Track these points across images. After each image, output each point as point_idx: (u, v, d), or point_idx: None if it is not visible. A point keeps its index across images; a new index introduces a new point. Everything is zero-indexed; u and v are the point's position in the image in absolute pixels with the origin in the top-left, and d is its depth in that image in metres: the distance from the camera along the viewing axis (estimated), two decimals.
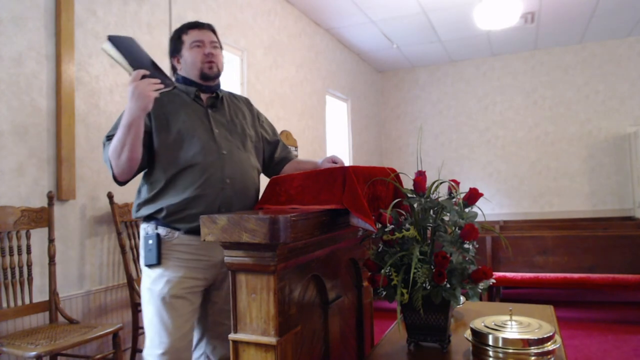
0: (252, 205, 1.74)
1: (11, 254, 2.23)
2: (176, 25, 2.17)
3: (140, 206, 1.65)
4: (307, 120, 5.20)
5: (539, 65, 6.78)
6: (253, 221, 1.03)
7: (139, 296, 1.91)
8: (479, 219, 1.44)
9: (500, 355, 1.26)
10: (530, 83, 6.83)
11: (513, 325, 1.34)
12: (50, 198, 2.37)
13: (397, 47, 6.37)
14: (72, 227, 2.58)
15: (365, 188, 1.37)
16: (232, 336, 1.11)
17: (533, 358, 1.24)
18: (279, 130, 4.40)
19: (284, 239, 1.01)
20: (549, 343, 1.26)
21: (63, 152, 2.49)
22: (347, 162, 6.00)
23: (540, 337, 1.25)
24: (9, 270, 2.20)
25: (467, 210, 1.43)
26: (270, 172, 1.94)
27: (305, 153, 5.08)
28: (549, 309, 1.81)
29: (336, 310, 1.42)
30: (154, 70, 1.52)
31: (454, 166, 7.11)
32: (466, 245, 1.37)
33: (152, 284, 1.60)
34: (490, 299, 4.28)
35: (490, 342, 1.28)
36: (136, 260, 2.77)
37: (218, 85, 1.80)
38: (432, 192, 1.40)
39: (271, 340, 1.06)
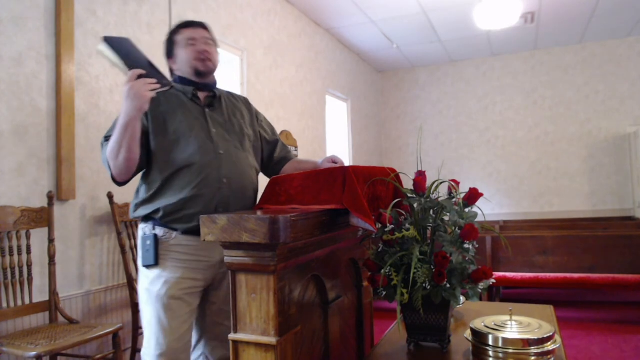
0: (251, 205, 1.73)
1: (11, 254, 2.23)
2: None
3: (137, 206, 1.65)
4: (307, 120, 5.20)
5: (539, 65, 6.78)
6: (253, 221, 1.03)
7: None
8: (479, 219, 1.44)
9: (500, 355, 1.26)
10: (530, 83, 6.83)
11: (513, 325, 1.34)
12: (50, 198, 2.37)
13: (397, 47, 6.37)
14: (72, 227, 2.58)
15: (365, 188, 1.37)
16: (232, 336, 1.11)
17: (533, 358, 1.24)
18: (278, 130, 4.40)
19: (284, 239, 1.01)
20: (549, 343, 1.26)
21: (63, 152, 2.49)
22: (347, 162, 5.99)
23: (540, 337, 1.25)
24: (9, 270, 2.20)
25: (467, 210, 1.43)
26: (269, 171, 1.93)
27: (305, 153, 5.08)
28: (549, 309, 1.81)
29: (336, 310, 1.42)
30: (151, 70, 1.50)
31: (454, 166, 7.11)
32: (466, 245, 1.37)
33: (150, 284, 1.60)
34: (490, 299, 4.28)
35: (490, 342, 1.28)
36: (136, 260, 2.77)
37: (215, 83, 1.79)
38: (432, 192, 1.40)
39: (271, 340, 1.06)
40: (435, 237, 1.37)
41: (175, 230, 1.60)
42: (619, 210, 6.31)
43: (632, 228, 4.92)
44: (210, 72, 1.73)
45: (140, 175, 1.67)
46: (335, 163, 1.72)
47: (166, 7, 3.27)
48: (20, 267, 2.26)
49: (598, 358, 3.07)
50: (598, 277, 3.89)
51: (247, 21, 4.16)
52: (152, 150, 1.62)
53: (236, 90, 4.05)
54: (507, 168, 6.90)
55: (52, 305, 2.34)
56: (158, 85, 1.47)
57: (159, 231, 1.61)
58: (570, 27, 5.87)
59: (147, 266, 1.61)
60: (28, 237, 2.29)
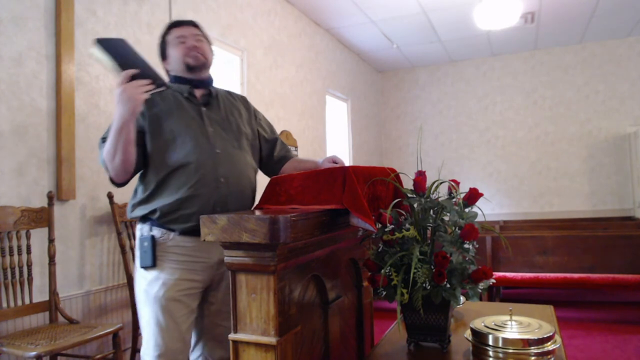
0: (249, 205, 1.72)
1: (11, 254, 2.23)
2: None
3: (134, 206, 1.64)
4: (307, 120, 5.20)
5: (539, 65, 6.78)
6: (253, 221, 1.03)
7: None
8: (479, 219, 1.44)
9: (500, 355, 1.26)
10: (530, 83, 6.83)
11: (513, 325, 1.34)
12: (50, 198, 2.37)
13: (397, 47, 6.37)
14: (72, 227, 2.58)
15: (365, 188, 1.37)
16: (232, 336, 1.11)
17: (533, 358, 1.24)
18: (278, 131, 4.40)
19: (284, 239, 1.01)
20: (549, 343, 1.26)
21: (63, 152, 2.49)
22: (347, 162, 5.99)
23: (540, 337, 1.25)
24: (9, 270, 2.20)
25: (467, 210, 1.43)
26: (269, 170, 1.92)
27: (305, 153, 5.07)
28: (549, 309, 1.81)
29: (336, 310, 1.42)
30: (146, 70, 1.48)
31: (454, 166, 7.12)
32: (466, 245, 1.37)
33: (148, 286, 1.59)
34: (490, 299, 4.28)
35: (490, 342, 1.28)
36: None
37: (210, 79, 1.78)
38: (432, 192, 1.40)
39: (271, 340, 1.06)
40: (435, 237, 1.37)
41: (173, 230, 1.59)
42: (619, 210, 6.31)
43: (632, 228, 4.92)
44: (202, 65, 1.71)
45: (138, 175, 1.67)
46: (336, 163, 1.72)
47: (166, 7, 3.27)
48: (20, 267, 2.26)
49: (598, 358, 3.07)
50: (598, 277, 3.89)
51: (247, 21, 4.16)
52: (148, 150, 1.61)
53: (236, 90, 4.05)
54: (507, 168, 6.90)
55: (52, 305, 2.34)
56: (152, 87, 1.45)
57: (156, 232, 1.60)
58: (570, 27, 5.87)
59: (145, 267, 1.60)
60: (28, 237, 2.29)
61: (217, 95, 1.78)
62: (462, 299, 1.41)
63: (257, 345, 1.08)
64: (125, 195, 2.76)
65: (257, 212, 1.19)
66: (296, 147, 4.87)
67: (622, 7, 5.26)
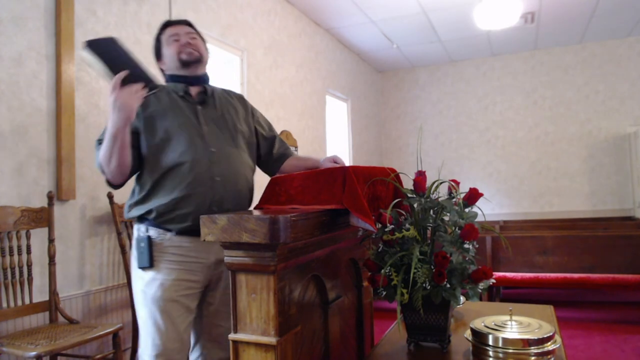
0: (246, 204, 1.71)
1: (11, 254, 2.23)
2: None
3: (131, 207, 1.64)
4: (307, 120, 5.20)
5: (539, 65, 6.78)
6: (253, 221, 1.03)
7: None
8: (479, 219, 1.44)
9: (500, 355, 1.26)
10: (530, 83, 6.83)
11: (513, 325, 1.34)
12: (50, 198, 2.37)
13: (397, 47, 6.37)
14: (72, 227, 2.58)
15: (365, 188, 1.37)
16: (232, 336, 1.11)
17: (533, 358, 1.24)
18: (278, 131, 4.40)
19: (284, 239, 1.01)
20: (549, 343, 1.26)
21: (63, 152, 2.49)
22: (347, 162, 5.99)
23: (540, 337, 1.25)
24: (9, 270, 2.20)
25: (467, 210, 1.43)
26: (269, 168, 1.91)
27: (305, 153, 5.08)
28: (549, 309, 1.81)
29: (336, 310, 1.42)
30: (138, 72, 1.45)
31: (454, 166, 7.12)
32: (466, 245, 1.37)
33: (146, 286, 1.59)
34: (490, 299, 4.28)
35: (490, 342, 1.28)
36: None
37: (206, 77, 1.77)
38: (432, 192, 1.40)
39: (271, 340, 1.06)
40: (435, 237, 1.37)
41: (170, 231, 1.59)
42: (619, 210, 6.31)
43: (632, 228, 4.92)
44: (197, 60, 1.70)
45: (135, 175, 1.67)
46: (336, 163, 1.71)
47: (166, 7, 3.27)
48: (20, 267, 2.26)
49: (598, 358, 3.07)
50: (598, 277, 3.89)
51: (247, 21, 4.16)
52: (143, 151, 1.60)
53: (236, 90, 4.04)
54: (507, 168, 6.91)
55: (52, 305, 2.34)
56: (145, 91, 1.43)
57: (153, 232, 1.60)
58: (570, 27, 5.87)
59: (142, 268, 1.59)
60: (28, 237, 2.29)
61: (213, 93, 1.76)
62: (462, 299, 1.41)
63: (257, 345, 1.08)
64: (125, 195, 2.75)
65: (257, 212, 1.19)
66: (296, 147, 4.87)
67: (622, 7, 5.26)
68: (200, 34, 1.79)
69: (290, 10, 4.89)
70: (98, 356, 2.27)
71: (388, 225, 1.35)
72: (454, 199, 1.44)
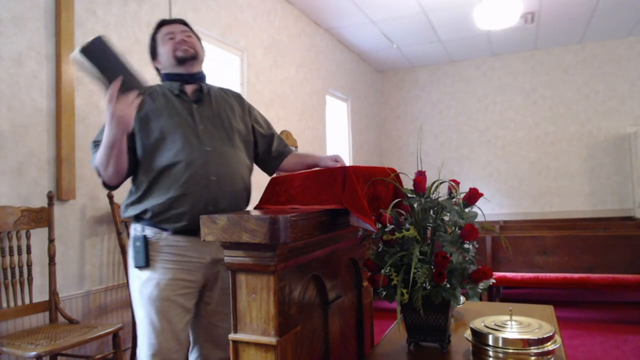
0: (242, 203, 1.70)
1: (11, 254, 2.23)
2: None
3: (127, 206, 1.63)
4: (307, 120, 5.20)
5: (539, 65, 6.78)
6: (253, 221, 1.03)
7: None
8: (479, 219, 1.44)
9: (500, 355, 1.26)
10: (530, 83, 6.83)
11: (513, 325, 1.34)
12: (50, 198, 2.37)
13: (397, 47, 6.37)
14: (72, 227, 2.58)
15: (365, 188, 1.37)
16: (232, 336, 1.11)
17: (533, 358, 1.24)
18: (278, 131, 4.40)
19: (284, 239, 1.01)
20: (549, 343, 1.26)
21: (63, 152, 2.49)
22: (347, 162, 5.99)
23: (540, 337, 1.25)
24: (9, 270, 2.20)
25: (467, 210, 1.43)
26: (268, 167, 1.89)
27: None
28: (549, 309, 1.81)
29: (336, 310, 1.42)
30: (129, 76, 1.41)
31: (454, 166, 7.12)
32: (466, 245, 1.37)
33: (142, 286, 1.59)
34: (490, 299, 4.28)
35: (490, 342, 1.28)
36: None
37: (201, 75, 1.75)
38: (432, 192, 1.40)
39: (271, 340, 1.06)
40: (435, 237, 1.37)
41: (165, 230, 1.58)
42: (619, 210, 6.31)
43: (632, 228, 4.92)
44: (192, 57, 1.70)
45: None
46: (337, 162, 1.71)
47: (166, 7, 3.27)
48: (20, 267, 2.26)
49: (598, 358, 3.07)
50: (598, 277, 3.89)
51: (247, 21, 4.16)
52: (139, 151, 1.60)
53: (236, 90, 4.05)
54: (507, 168, 6.91)
55: (52, 305, 2.34)
56: (139, 99, 1.42)
57: (149, 232, 1.59)
58: (570, 27, 5.87)
59: (139, 267, 1.59)
60: (28, 237, 2.29)
61: (209, 92, 1.75)
62: (462, 299, 1.41)
63: (257, 345, 1.08)
64: (125, 195, 2.76)
65: (257, 212, 1.19)
66: (296, 147, 4.87)
67: (622, 7, 5.26)
68: (196, 33, 1.78)
69: (290, 10, 4.89)
70: (98, 356, 2.27)
71: (388, 225, 1.35)
72: (454, 199, 1.44)
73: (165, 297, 1.56)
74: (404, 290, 1.27)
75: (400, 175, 1.62)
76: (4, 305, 2.17)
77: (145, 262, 1.57)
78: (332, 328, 1.39)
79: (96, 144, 1.57)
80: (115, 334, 2.28)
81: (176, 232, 1.58)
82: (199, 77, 1.74)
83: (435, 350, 1.41)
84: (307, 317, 1.27)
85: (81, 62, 1.36)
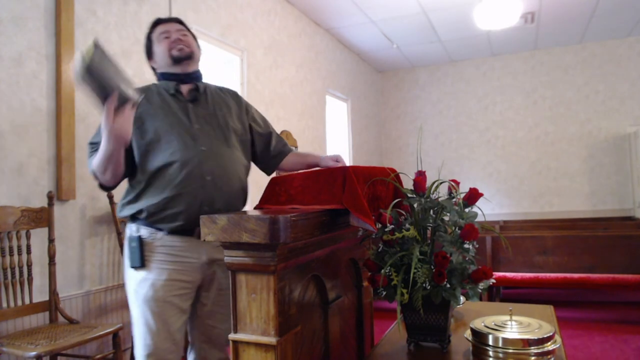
0: (239, 203, 1.69)
1: (11, 254, 2.23)
2: None
3: (123, 206, 1.63)
4: (307, 120, 5.20)
5: (539, 65, 6.79)
6: (253, 221, 1.03)
7: None
8: (479, 219, 1.44)
9: (500, 355, 1.26)
10: (530, 83, 6.83)
11: (513, 325, 1.34)
12: (50, 198, 2.37)
13: (397, 47, 6.37)
14: (72, 227, 2.58)
15: (365, 188, 1.37)
16: (232, 336, 1.11)
17: (533, 358, 1.24)
18: (278, 130, 4.40)
19: (284, 239, 1.01)
20: (549, 343, 1.26)
21: (63, 152, 2.49)
22: (347, 162, 5.99)
23: (540, 337, 1.25)
24: (9, 270, 2.20)
25: (467, 210, 1.43)
26: (266, 166, 1.88)
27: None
28: (549, 309, 1.81)
29: (336, 310, 1.42)
30: (123, 86, 1.36)
31: (454, 166, 7.12)
32: (466, 245, 1.36)
33: (138, 286, 1.58)
34: (490, 299, 4.28)
35: (490, 342, 1.28)
36: None
37: (198, 74, 1.74)
38: (432, 192, 1.40)
39: (271, 340, 1.06)
40: (435, 237, 1.37)
41: (161, 230, 1.58)
42: (619, 210, 6.31)
43: (632, 228, 4.92)
44: (187, 56, 1.68)
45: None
46: (338, 162, 1.71)
47: (166, 7, 3.27)
48: (20, 267, 2.26)
49: (598, 358, 3.07)
50: (598, 277, 3.89)
51: (247, 21, 4.16)
52: (135, 152, 1.59)
53: (236, 90, 4.05)
54: (507, 168, 6.91)
55: (52, 305, 2.34)
56: (133, 111, 1.41)
57: (144, 232, 1.59)
58: (570, 27, 5.87)
59: (134, 268, 1.59)
60: (28, 237, 2.29)
61: (205, 91, 1.74)
62: (462, 299, 1.41)
63: (257, 345, 1.08)
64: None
65: (257, 212, 1.19)
66: (296, 147, 4.87)
67: (622, 7, 5.26)
68: (192, 31, 1.77)
69: (290, 10, 4.89)
70: (98, 356, 2.26)
71: (388, 225, 1.35)
72: (454, 199, 1.44)
73: (161, 298, 1.55)
74: (404, 290, 1.27)
75: (400, 175, 1.62)
76: (4, 305, 2.17)
77: (141, 263, 1.57)
78: (332, 328, 1.39)
79: (93, 145, 1.57)
80: (115, 334, 2.27)
81: (171, 232, 1.57)
82: (195, 77, 1.73)
83: (435, 350, 1.41)
84: (307, 317, 1.27)
85: (85, 80, 1.31)
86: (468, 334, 1.37)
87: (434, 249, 1.36)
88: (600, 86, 6.48)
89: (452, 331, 1.52)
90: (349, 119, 6.39)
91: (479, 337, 1.31)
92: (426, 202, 1.39)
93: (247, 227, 1.03)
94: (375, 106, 7.43)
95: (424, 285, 1.28)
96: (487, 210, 5.02)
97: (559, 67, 6.68)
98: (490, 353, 1.27)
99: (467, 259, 1.36)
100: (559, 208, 6.59)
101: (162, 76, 1.72)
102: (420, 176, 1.42)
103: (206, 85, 1.76)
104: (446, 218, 1.41)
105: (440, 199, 1.42)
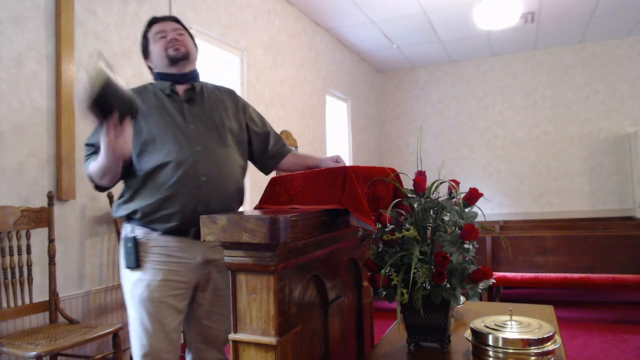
0: (235, 203, 1.68)
1: (11, 254, 2.23)
2: None
3: (118, 206, 1.63)
4: (307, 120, 5.20)
5: (539, 65, 6.79)
6: (253, 221, 1.03)
7: None
8: (479, 219, 1.44)
9: (500, 355, 1.25)
10: (530, 83, 6.83)
11: (513, 325, 1.34)
12: (50, 198, 2.37)
13: (397, 47, 6.37)
14: (72, 227, 2.58)
15: (365, 188, 1.37)
16: (232, 336, 1.11)
17: (533, 358, 1.24)
18: (278, 130, 4.40)
19: (284, 239, 1.01)
20: (549, 343, 1.26)
21: (63, 152, 2.49)
22: (347, 162, 5.99)
23: (540, 337, 1.25)
24: (9, 270, 2.20)
25: (467, 210, 1.43)
26: (264, 166, 1.86)
27: (305, 153, 5.07)
28: (549, 309, 1.81)
29: (336, 310, 1.42)
30: (124, 102, 1.34)
31: (454, 166, 7.12)
32: (466, 245, 1.36)
33: (133, 286, 1.58)
34: (490, 299, 4.28)
35: (490, 342, 1.28)
36: None
37: (194, 74, 1.73)
38: (432, 192, 1.40)
39: (271, 340, 1.06)
40: (435, 237, 1.37)
41: (155, 230, 1.57)
42: (619, 210, 6.31)
43: (632, 228, 4.92)
44: (183, 56, 1.67)
45: None
46: (338, 163, 1.70)
47: (166, 7, 3.27)
48: (20, 267, 2.26)
49: (598, 358, 3.07)
50: (598, 277, 3.89)
51: (247, 21, 4.16)
52: (130, 153, 1.59)
53: (236, 90, 4.05)
54: (507, 168, 6.91)
55: (52, 305, 2.34)
56: (131, 126, 1.41)
57: (139, 232, 1.58)
58: (570, 27, 5.87)
59: (129, 268, 1.59)
60: (28, 237, 2.29)
61: (201, 90, 1.72)
62: (462, 299, 1.41)
63: (257, 345, 1.08)
64: None
65: (257, 212, 1.19)
66: (296, 147, 4.87)
67: (622, 7, 5.26)
68: (188, 31, 1.77)
69: (290, 10, 4.89)
70: (98, 356, 2.27)
71: (388, 225, 1.35)
72: (454, 199, 1.44)
73: (156, 299, 1.55)
74: (404, 290, 1.27)
75: (400, 175, 1.62)
76: (4, 305, 2.17)
77: (136, 263, 1.56)
78: (332, 328, 1.39)
79: (89, 147, 1.57)
80: (115, 334, 2.28)
81: (166, 232, 1.56)
82: (191, 77, 1.72)
83: (435, 350, 1.41)
84: (307, 317, 1.27)
85: (92, 109, 1.29)
86: (468, 334, 1.37)
87: (434, 249, 1.36)
88: (600, 86, 6.49)
89: (452, 331, 1.52)
90: (349, 119, 6.39)
91: (479, 337, 1.31)
92: (426, 202, 1.39)
93: (247, 227, 1.03)
94: (375, 106, 7.43)
95: (424, 285, 1.28)
96: (487, 210, 5.02)
97: (559, 67, 6.68)
98: (490, 353, 1.27)
99: (467, 259, 1.36)
100: (559, 208, 6.59)
101: (159, 76, 1.71)
102: (420, 176, 1.42)
103: (203, 85, 1.75)
104: (446, 218, 1.41)
105: (440, 199, 1.42)
